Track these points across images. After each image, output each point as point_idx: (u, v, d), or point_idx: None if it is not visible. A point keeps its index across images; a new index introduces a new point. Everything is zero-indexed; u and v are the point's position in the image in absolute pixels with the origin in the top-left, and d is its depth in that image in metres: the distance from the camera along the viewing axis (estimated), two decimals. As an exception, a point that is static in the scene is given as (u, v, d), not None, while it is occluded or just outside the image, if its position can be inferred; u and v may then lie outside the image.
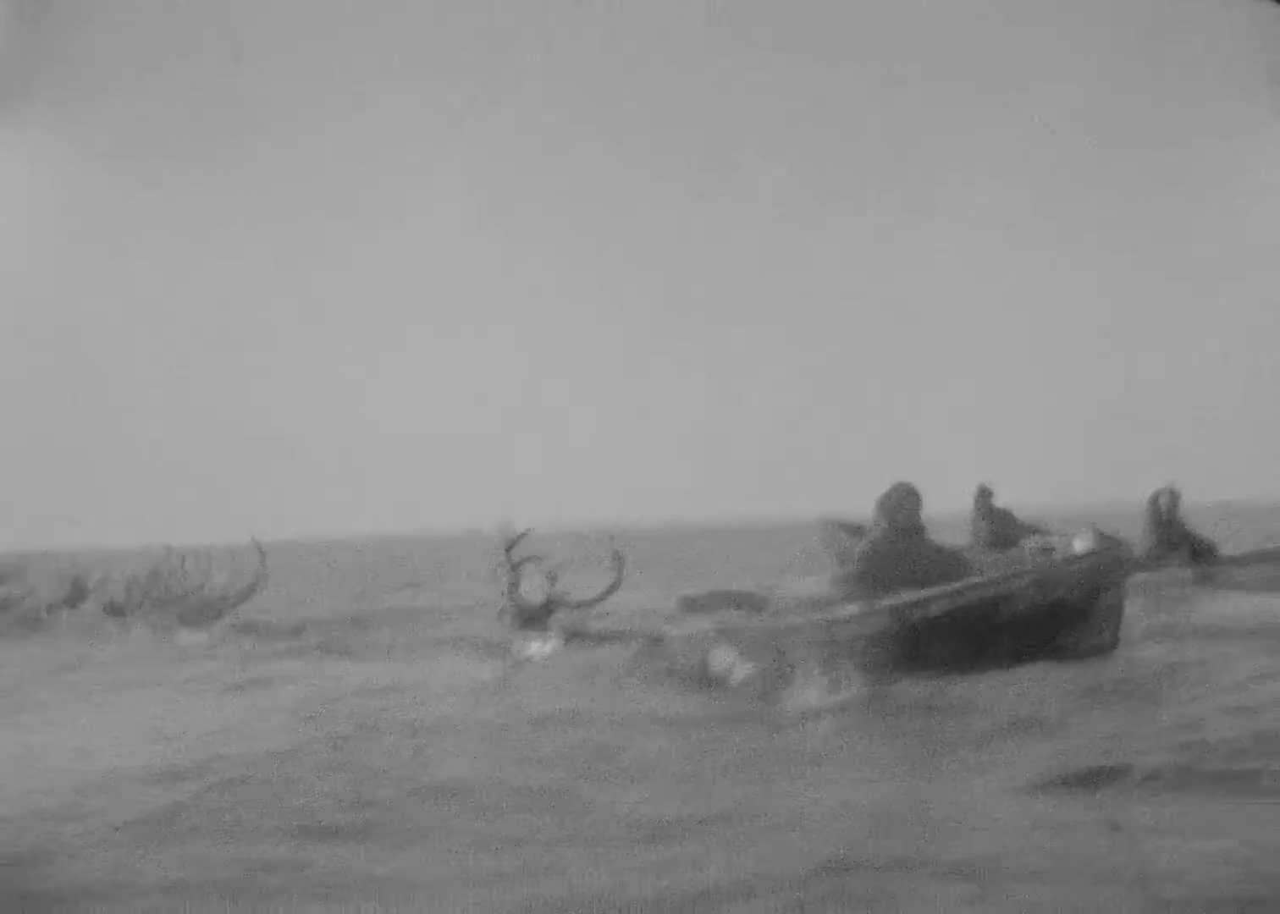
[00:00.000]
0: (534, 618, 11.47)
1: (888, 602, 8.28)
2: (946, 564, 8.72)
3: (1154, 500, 13.59)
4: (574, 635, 11.03)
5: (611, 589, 11.60)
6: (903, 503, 8.84)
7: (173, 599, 14.83)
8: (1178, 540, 13.52)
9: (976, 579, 8.18)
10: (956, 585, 8.10)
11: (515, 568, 11.56)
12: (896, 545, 8.77)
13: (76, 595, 15.35)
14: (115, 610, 14.64)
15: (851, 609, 8.44)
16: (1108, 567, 7.84)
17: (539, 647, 11.08)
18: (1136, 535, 13.39)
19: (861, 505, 9.69)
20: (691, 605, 10.25)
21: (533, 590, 11.77)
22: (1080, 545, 13.74)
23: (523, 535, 11.67)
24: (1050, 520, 14.41)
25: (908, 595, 8.24)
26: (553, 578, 11.53)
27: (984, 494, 14.16)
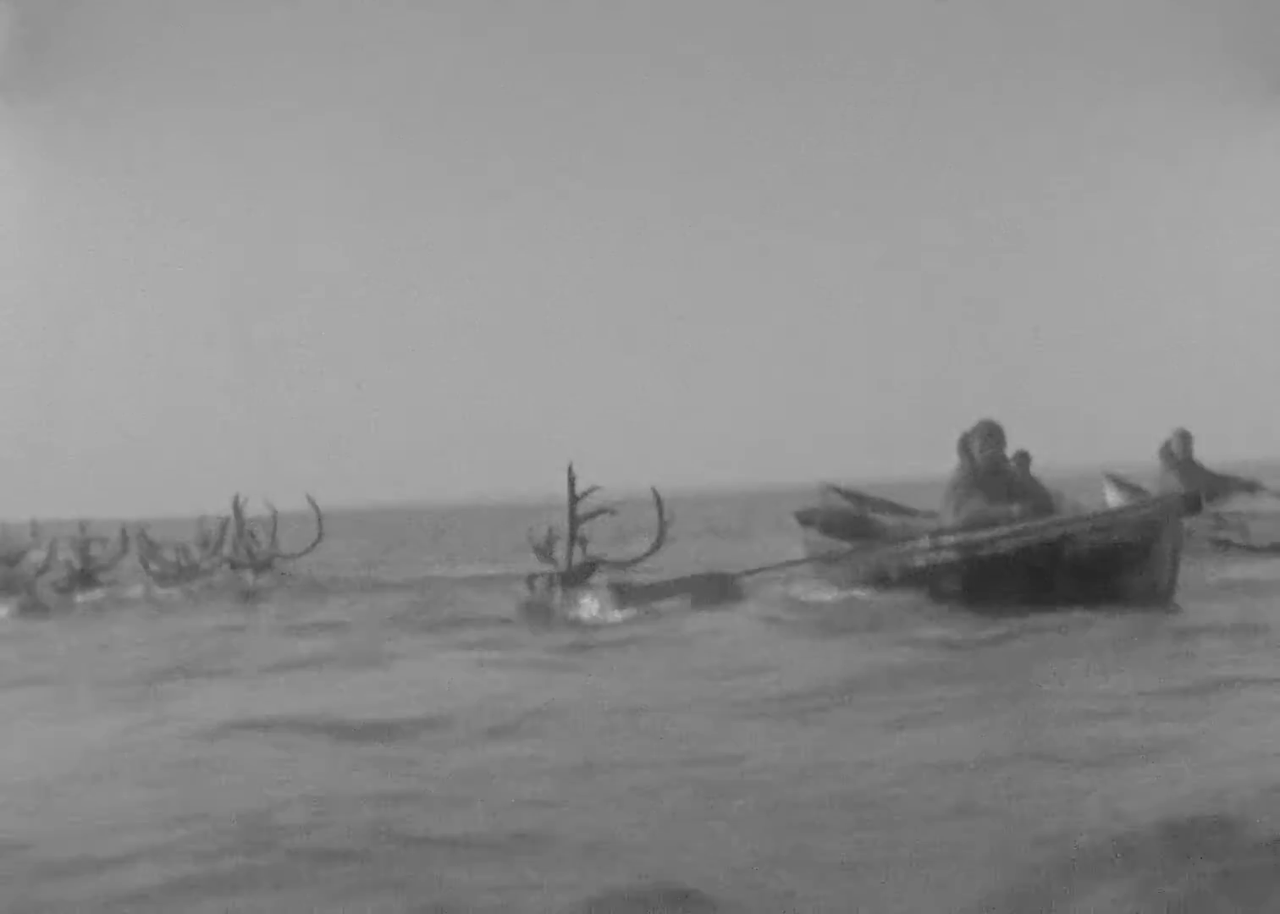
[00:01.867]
0: (575, 578, 11.19)
1: (958, 537, 8.34)
2: (1033, 497, 8.72)
3: (1165, 447, 13.22)
4: (621, 591, 10.68)
5: (655, 547, 11.21)
6: (983, 440, 8.78)
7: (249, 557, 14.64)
8: (1202, 483, 12.85)
9: (1041, 521, 8.16)
10: (1022, 525, 8.11)
11: (579, 524, 11.22)
12: (977, 481, 8.70)
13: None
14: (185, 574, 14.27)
15: (923, 542, 8.57)
16: (1167, 511, 7.78)
17: (590, 603, 10.93)
18: (1156, 482, 13.05)
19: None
20: (804, 519, 10.23)
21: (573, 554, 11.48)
22: (1111, 495, 13.53)
23: (589, 492, 11.35)
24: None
25: (977, 533, 8.27)
26: (584, 542, 11.27)
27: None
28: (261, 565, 14.43)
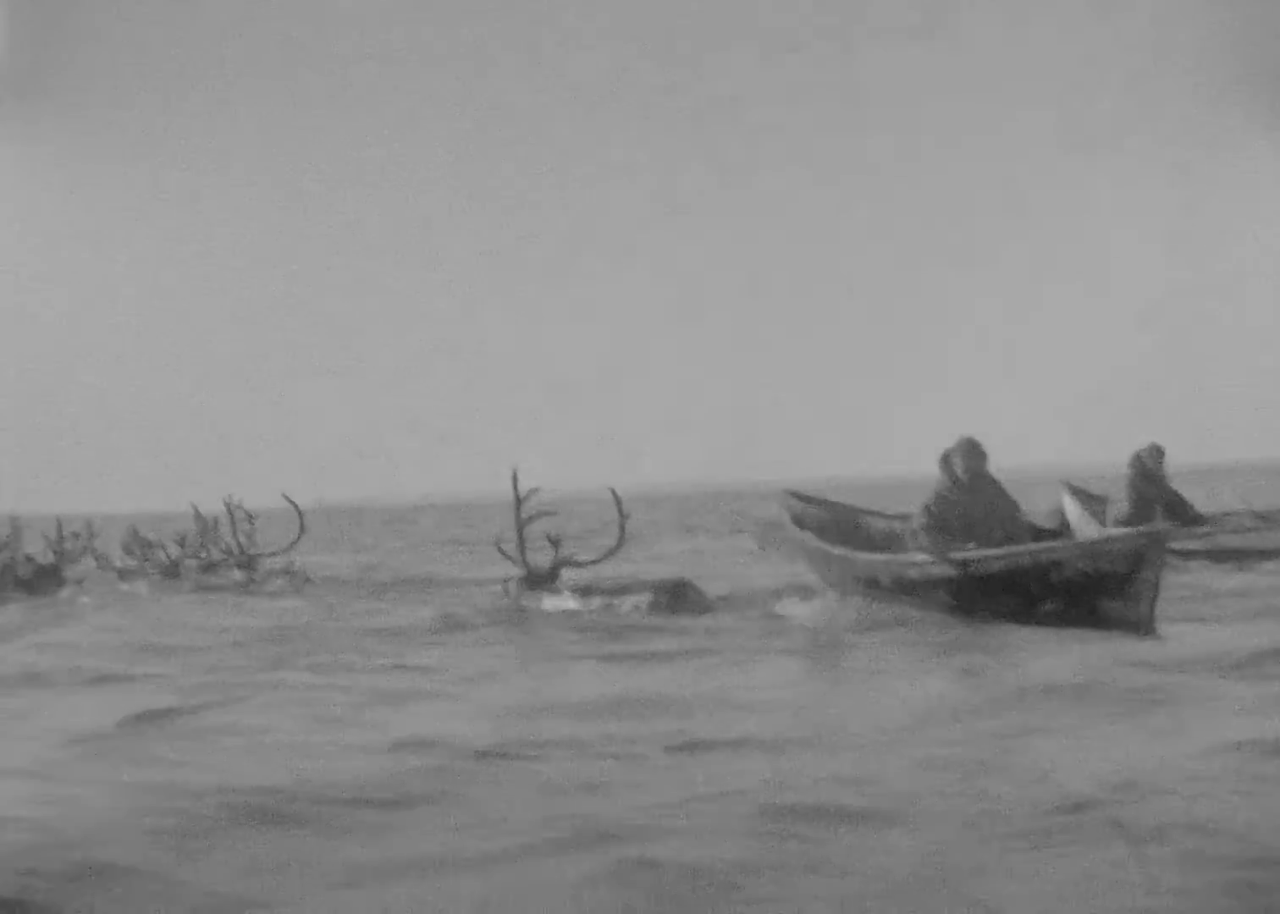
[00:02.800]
0: (541, 580, 11.47)
1: (955, 555, 8.68)
2: (1004, 514, 9.08)
3: (1136, 459, 13.26)
4: (587, 591, 10.98)
5: (617, 547, 11.41)
6: (963, 457, 9.12)
7: (229, 555, 14.50)
8: (1156, 498, 13.15)
9: (1033, 546, 8.59)
10: (1017, 548, 8.56)
11: (525, 526, 11.62)
12: (957, 497, 9.06)
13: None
14: (169, 571, 14.17)
15: (922, 556, 8.89)
16: (1151, 544, 8.14)
17: (554, 602, 11.01)
18: (1120, 495, 13.18)
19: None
20: (798, 522, 10.59)
21: (538, 555, 11.76)
22: (1069, 505, 13.84)
23: (531, 493, 11.48)
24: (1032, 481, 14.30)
25: (973, 551, 8.65)
26: (556, 542, 11.57)
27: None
28: (246, 563, 14.36)
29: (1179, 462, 14.06)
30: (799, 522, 10.48)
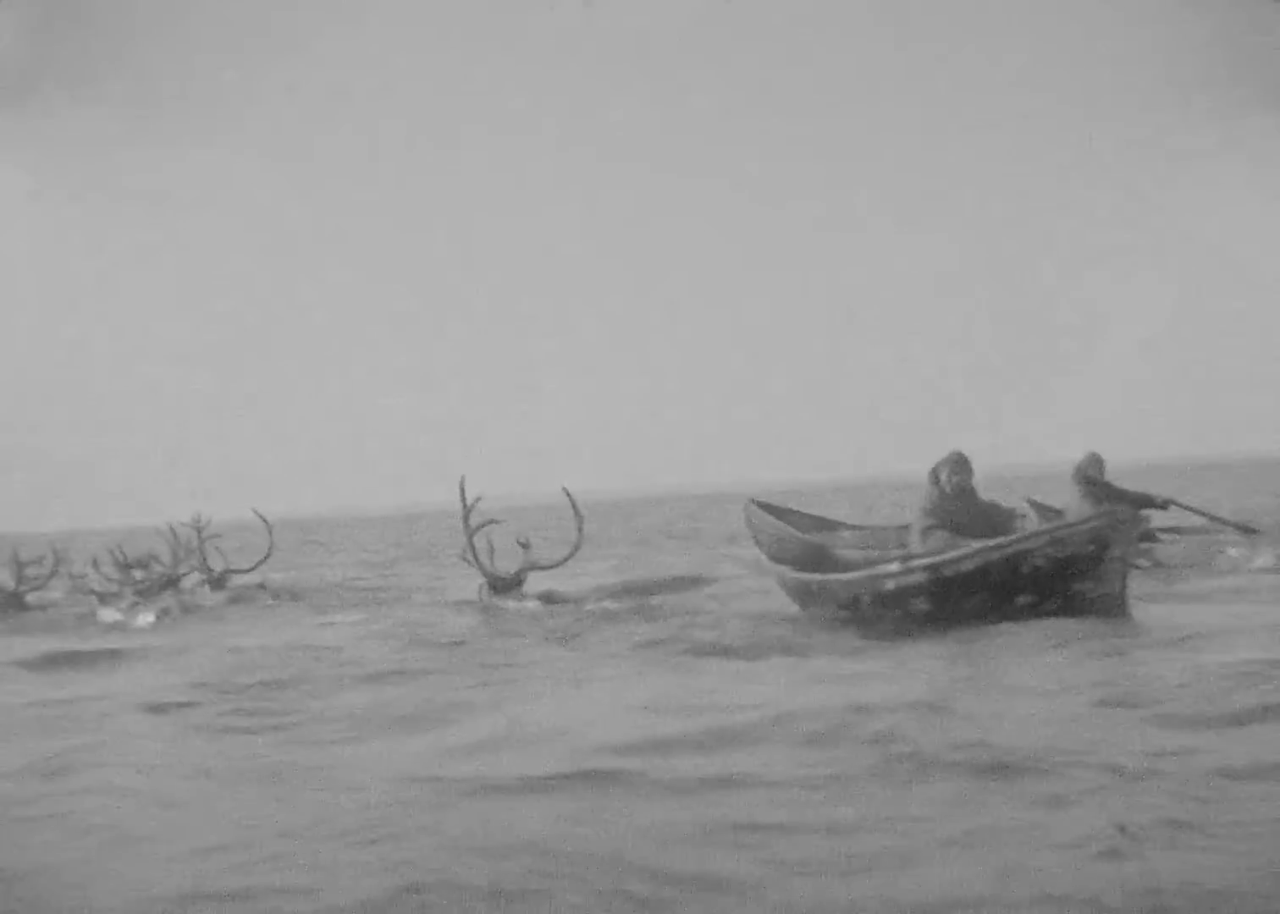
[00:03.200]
0: (507, 585, 11.87)
1: (924, 560, 8.90)
2: (993, 520, 9.28)
3: (1079, 471, 13.23)
4: (548, 599, 11.45)
5: (575, 550, 11.90)
6: (950, 470, 9.38)
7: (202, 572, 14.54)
8: (1114, 500, 13.43)
9: (1000, 540, 8.72)
10: (983, 544, 8.69)
11: (474, 535, 11.83)
12: (946, 507, 9.29)
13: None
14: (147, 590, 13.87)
15: (892, 566, 9.06)
16: (1115, 524, 8.36)
17: (518, 605, 11.49)
18: (1070, 504, 13.09)
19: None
20: (775, 557, 10.72)
21: (505, 561, 12.14)
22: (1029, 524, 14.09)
23: (476, 502, 11.90)
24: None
25: (943, 554, 8.85)
26: (525, 544, 11.95)
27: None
28: (217, 582, 14.40)
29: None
30: (776, 558, 10.55)
